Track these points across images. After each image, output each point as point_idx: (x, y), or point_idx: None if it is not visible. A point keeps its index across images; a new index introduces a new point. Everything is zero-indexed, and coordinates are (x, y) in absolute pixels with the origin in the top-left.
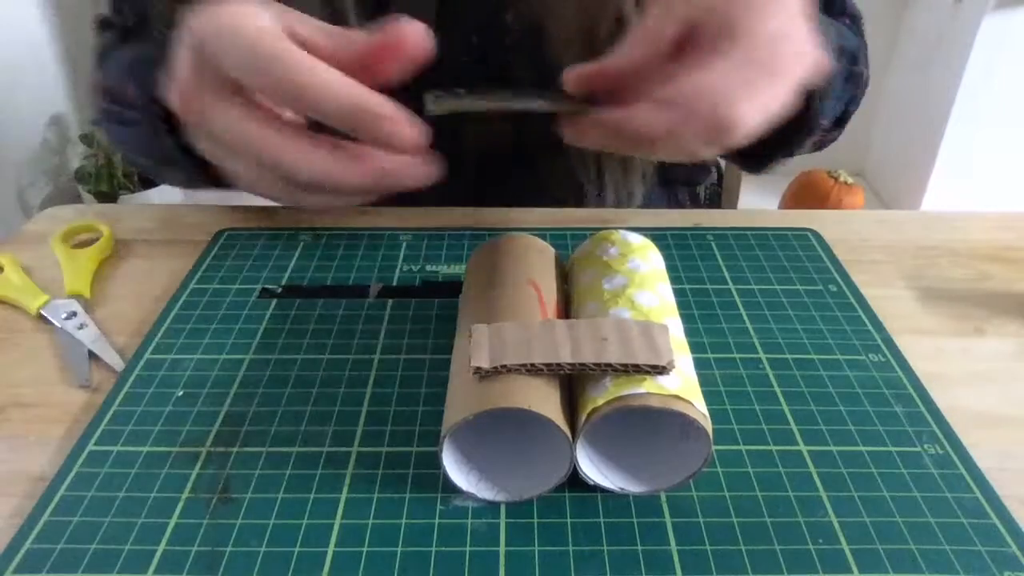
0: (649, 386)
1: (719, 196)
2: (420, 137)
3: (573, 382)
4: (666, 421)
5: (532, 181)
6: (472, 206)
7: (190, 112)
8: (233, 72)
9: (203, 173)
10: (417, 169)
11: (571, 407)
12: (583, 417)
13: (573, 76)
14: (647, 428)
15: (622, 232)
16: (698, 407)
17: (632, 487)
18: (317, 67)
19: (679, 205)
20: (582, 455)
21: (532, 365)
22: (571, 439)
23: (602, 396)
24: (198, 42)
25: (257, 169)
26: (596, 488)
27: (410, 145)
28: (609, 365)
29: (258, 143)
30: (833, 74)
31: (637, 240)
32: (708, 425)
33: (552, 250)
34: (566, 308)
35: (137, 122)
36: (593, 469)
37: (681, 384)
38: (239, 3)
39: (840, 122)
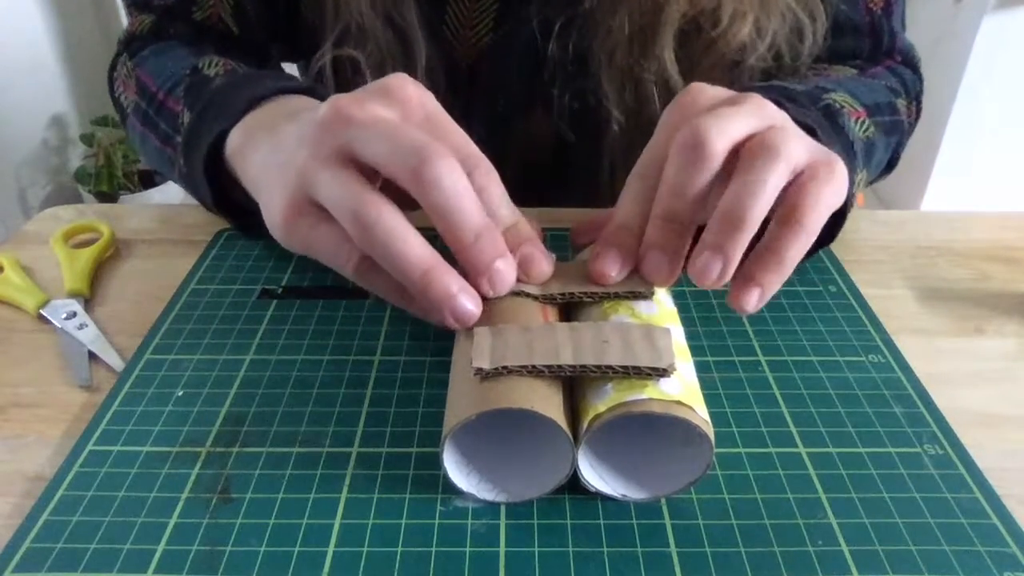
0: (651, 392)
1: None
2: (475, 315)
3: (574, 387)
4: (668, 427)
5: (573, 195)
6: None
7: (304, 169)
8: (359, 144)
9: (221, 203)
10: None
11: (572, 412)
12: (585, 424)
13: (576, 231)
14: (649, 434)
15: None
16: (699, 413)
17: (634, 494)
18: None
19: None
20: (584, 462)
21: (533, 366)
22: (573, 440)
23: (603, 403)
24: (332, 115)
25: (341, 242)
26: (598, 495)
27: (464, 321)
28: (610, 367)
29: (373, 213)
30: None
31: None
32: (710, 431)
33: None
34: (566, 315)
35: (168, 137)
36: (595, 476)
37: (682, 390)
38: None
39: (891, 165)
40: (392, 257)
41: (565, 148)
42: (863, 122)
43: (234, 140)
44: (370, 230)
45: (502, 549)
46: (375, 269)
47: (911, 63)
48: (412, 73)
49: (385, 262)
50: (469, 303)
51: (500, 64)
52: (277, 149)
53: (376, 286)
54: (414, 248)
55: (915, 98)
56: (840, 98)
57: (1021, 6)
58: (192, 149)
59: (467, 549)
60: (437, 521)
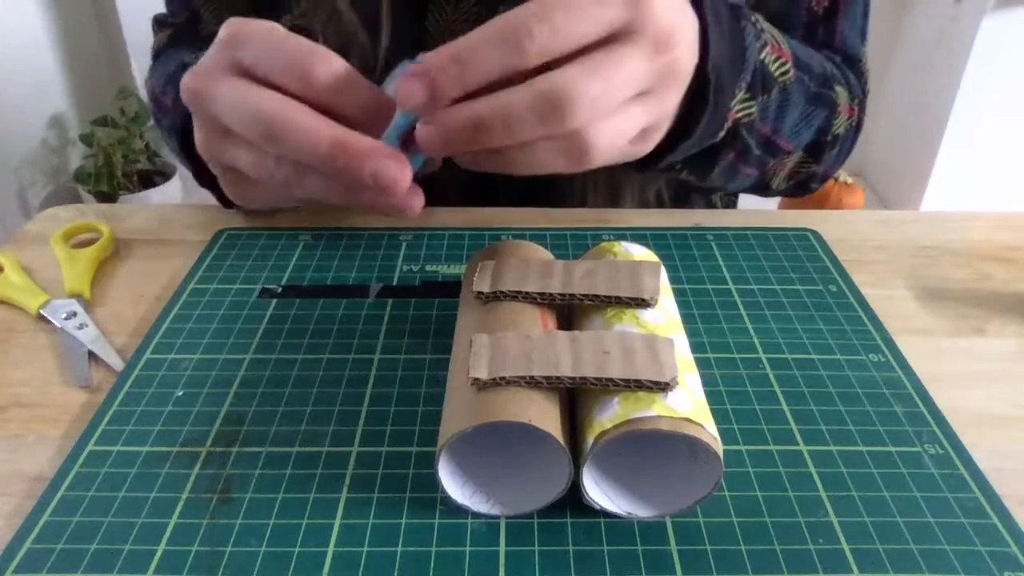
0: (659, 408)
1: (735, 204)
2: (405, 176)
3: (578, 401)
4: (675, 444)
5: (572, 194)
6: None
7: (198, 90)
8: (250, 59)
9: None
10: (405, 200)
11: (578, 428)
12: (590, 440)
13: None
14: (656, 451)
15: (624, 244)
16: (709, 430)
17: (639, 511)
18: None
19: None
20: (588, 479)
21: (531, 378)
22: (570, 454)
23: (610, 419)
24: (226, 36)
25: (257, 151)
26: (602, 513)
27: (395, 185)
28: (610, 380)
29: (267, 108)
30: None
31: (640, 252)
32: (719, 448)
33: (552, 256)
34: (569, 321)
35: (173, 128)
36: (599, 493)
37: (692, 407)
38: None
39: (814, 150)
40: (296, 138)
41: None
42: (782, 62)
43: None
44: (268, 122)
45: (502, 548)
46: (307, 171)
47: (854, 66)
48: (372, 57)
49: (292, 146)
50: (392, 165)
51: None
52: None
53: (316, 190)
54: (318, 125)
55: (856, 99)
56: (766, 27)
57: (1021, 6)
58: (173, 130)
59: (467, 548)
60: (437, 520)
